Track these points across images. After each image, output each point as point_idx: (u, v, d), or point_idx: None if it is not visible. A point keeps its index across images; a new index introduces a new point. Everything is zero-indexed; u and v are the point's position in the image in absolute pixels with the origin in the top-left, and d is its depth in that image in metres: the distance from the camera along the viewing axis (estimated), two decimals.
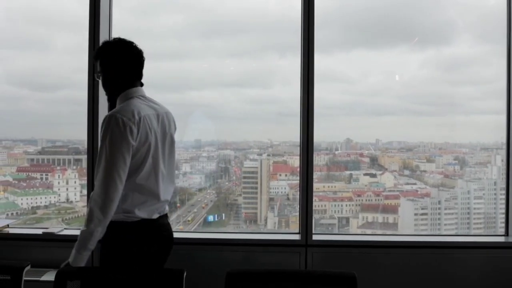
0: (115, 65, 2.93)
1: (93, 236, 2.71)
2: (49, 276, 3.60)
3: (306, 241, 3.97)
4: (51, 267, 3.68)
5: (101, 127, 2.78)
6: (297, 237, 4.06)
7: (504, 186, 4.32)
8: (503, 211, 4.29)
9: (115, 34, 4.20)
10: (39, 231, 4.09)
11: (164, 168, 2.96)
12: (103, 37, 4.05)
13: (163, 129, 2.98)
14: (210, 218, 4.90)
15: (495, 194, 4.72)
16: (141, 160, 2.82)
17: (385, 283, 3.94)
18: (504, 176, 4.33)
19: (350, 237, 4.53)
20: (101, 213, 2.69)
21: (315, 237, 4.01)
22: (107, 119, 2.75)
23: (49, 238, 4.01)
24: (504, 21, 4.19)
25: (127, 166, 2.75)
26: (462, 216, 4.75)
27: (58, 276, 2.55)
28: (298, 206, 4.18)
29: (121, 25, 4.33)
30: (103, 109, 4.09)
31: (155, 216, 2.96)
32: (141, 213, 2.88)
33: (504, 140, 4.26)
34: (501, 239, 4.22)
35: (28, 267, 2.79)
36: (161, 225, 3.03)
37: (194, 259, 3.92)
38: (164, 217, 3.06)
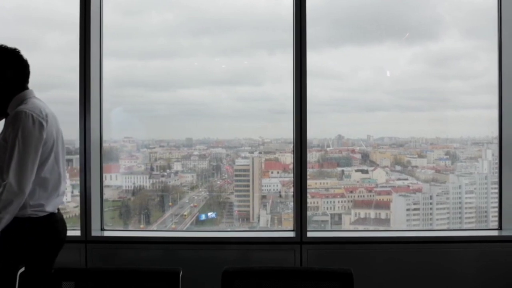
0: (7, 70, 2.95)
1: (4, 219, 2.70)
2: None
3: (301, 238, 3.99)
4: None
5: (10, 123, 2.80)
6: (291, 234, 4.08)
7: (495, 180, 4.35)
8: (495, 205, 4.33)
9: (105, 33, 4.19)
10: None
11: (62, 164, 3.05)
12: (94, 36, 4.04)
13: (58, 128, 3.05)
14: (203, 216, 4.90)
15: (486, 188, 4.75)
16: (46, 154, 2.89)
17: (379, 279, 3.96)
18: (495, 170, 4.36)
19: (344, 233, 4.56)
20: (16, 202, 2.70)
21: (309, 234, 4.02)
22: (17, 115, 2.79)
23: None
24: (490, 16, 4.24)
25: (38, 160, 2.82)
26: (454, 211, 4.77)
27: (53, 277, 2.53)
28: (291, 203, 4.19)
29: (111, 24, 4.32)
30: (95, 109, 4.08)
31: (56, 210, 3.04)
32: (49, 207, 2.94)
33: (495, 134, 4.30)
34: (495, 233, 4.26)
35: (23, 269, 2.78)
36: (62, 218, 3.12)
37: (189, 258, 3.92)
38: (59, 211, 3.13)
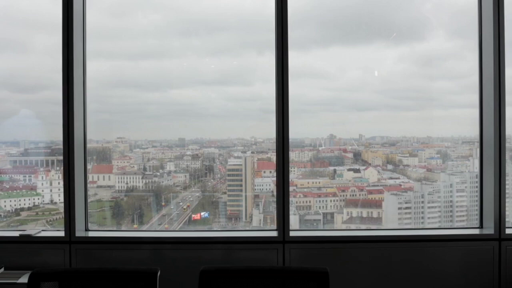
0: None
1: None
2: (26, 278, 3.57)
3: (283, 238, 4.00)
4: (28, 269, 3.66)
5: None
6: (274, 234, 4.08)
7: None
8: None
9: (90, 34, 4.21)
10: (17, 234, 4.09)
11: None
12: (77, 37, 4.05)
13: None
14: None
15: (477, 187, 4.73)
16: None
17: (361, 278, 3.99)
18: None
19: (326, 232, 4.54)
20: None
21: (292, 234, 4.03)
22: None
23: (26, 241, 4.01)
24: (474, 17, 4.23)
25: None
26: (445, 209, 4.77)
27: (31, 278, 2.55)
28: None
29: (101, 25, 4.34)
30: (79, 109, 4.10)
31: None
32: None
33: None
34: (476, 231, 4.27)
35: (2, 270, 2.80)
36: None
37: (173, 258, 3.94)
38: None
